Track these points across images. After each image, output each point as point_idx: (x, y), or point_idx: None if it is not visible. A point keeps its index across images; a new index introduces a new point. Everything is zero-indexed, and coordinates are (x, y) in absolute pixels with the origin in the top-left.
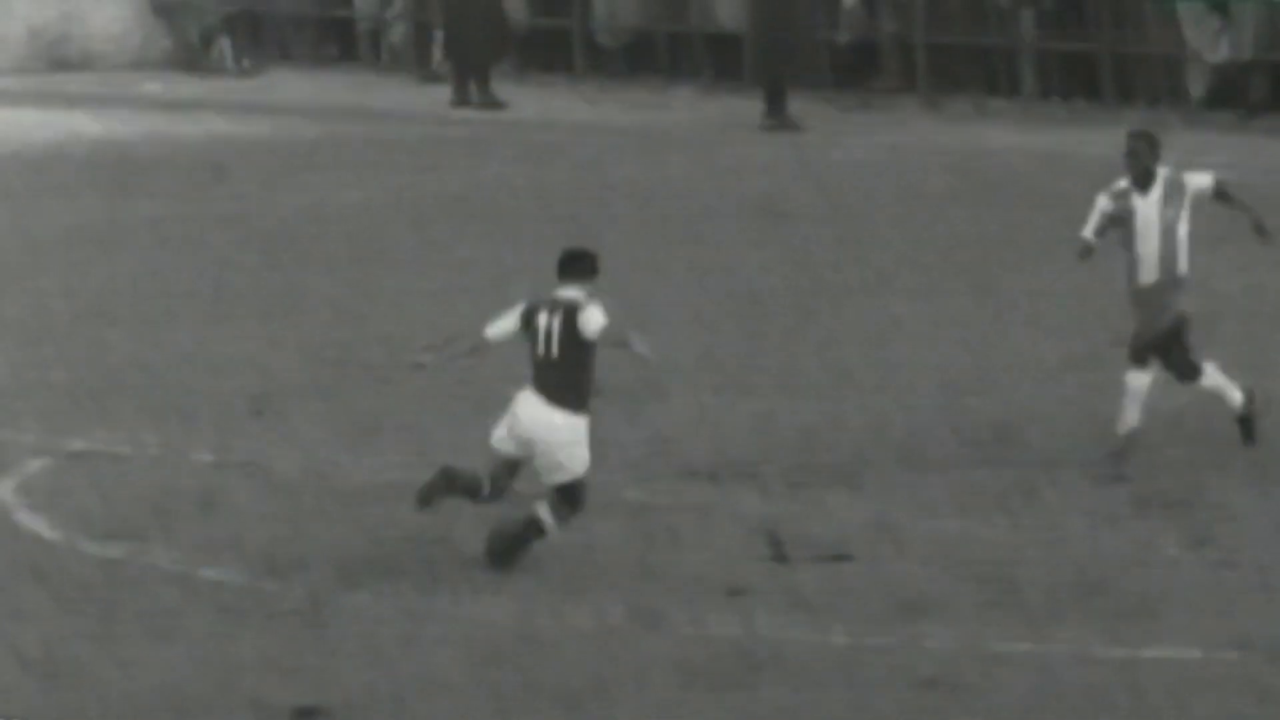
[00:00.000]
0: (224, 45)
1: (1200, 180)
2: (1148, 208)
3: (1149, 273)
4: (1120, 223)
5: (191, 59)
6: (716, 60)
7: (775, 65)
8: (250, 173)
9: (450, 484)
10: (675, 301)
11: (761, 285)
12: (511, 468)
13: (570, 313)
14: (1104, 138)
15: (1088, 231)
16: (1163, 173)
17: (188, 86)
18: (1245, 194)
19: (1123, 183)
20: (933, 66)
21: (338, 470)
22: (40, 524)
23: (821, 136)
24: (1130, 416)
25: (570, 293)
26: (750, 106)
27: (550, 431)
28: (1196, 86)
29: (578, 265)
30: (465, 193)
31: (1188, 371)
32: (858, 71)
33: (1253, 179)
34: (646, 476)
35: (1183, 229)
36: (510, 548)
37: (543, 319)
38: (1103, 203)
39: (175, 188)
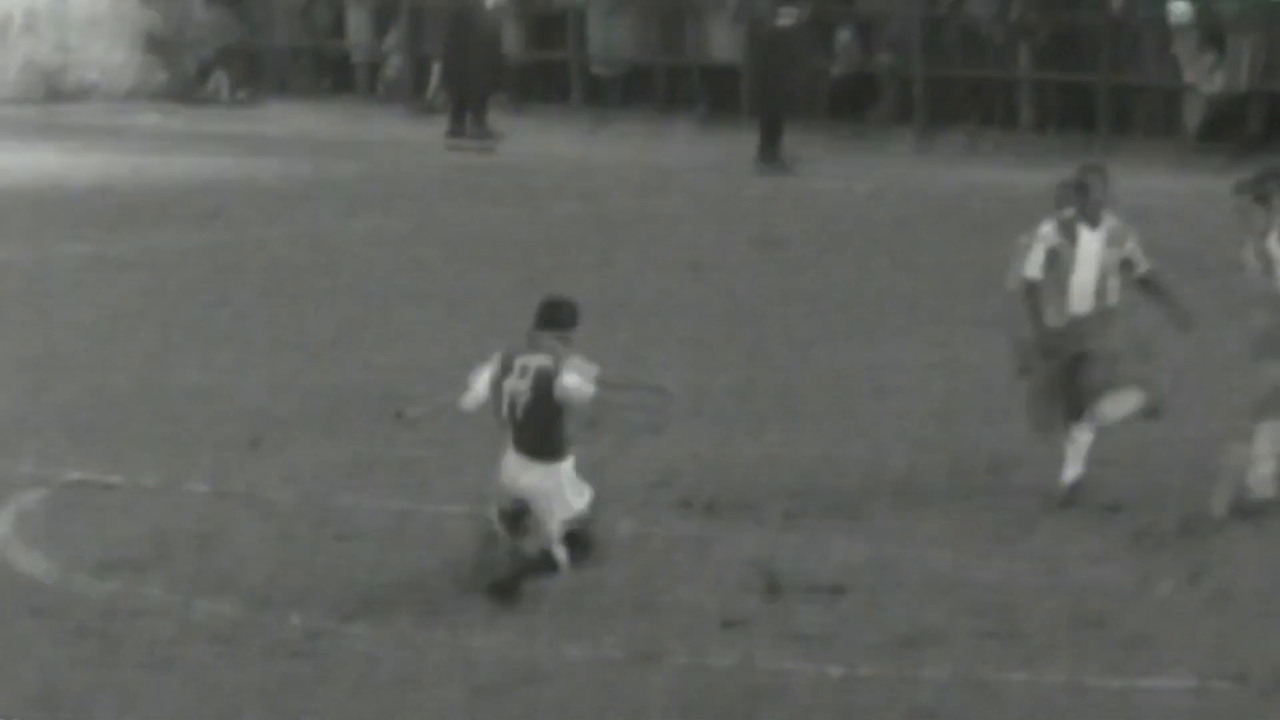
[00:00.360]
0: (220, 77)
1: (1139, 257)
2: (1091, 241)
3: (1083, 302)
4: (1058, 256)
5: (187, 91)
6: (713, 92)
7: (772, 99)
8: (247, 206)
9: (504, 566)
10: (672, 335)
11: (758, 319)
12: (520, 508)
13: (548, 364)
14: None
15: (1033, 269)
16: (1110, 219)
17: (184, 118)
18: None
19: (1068, 212)
20: (928, 99)
21: (336, 504)
22: (36, 556)
23: (817, 169)
24: (1073, 469)
25: (548, 342)
26: (747, 139)
27: (534, 488)
28: (1192, 119)
29: (557, 315)
30: (461, 226)
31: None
32: (853, 104)
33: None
34: (643, 509)
35: (1115, 273)
36: (516, 581)
37: (519, 366)
38: (1046, 232)
39: (171, 220)
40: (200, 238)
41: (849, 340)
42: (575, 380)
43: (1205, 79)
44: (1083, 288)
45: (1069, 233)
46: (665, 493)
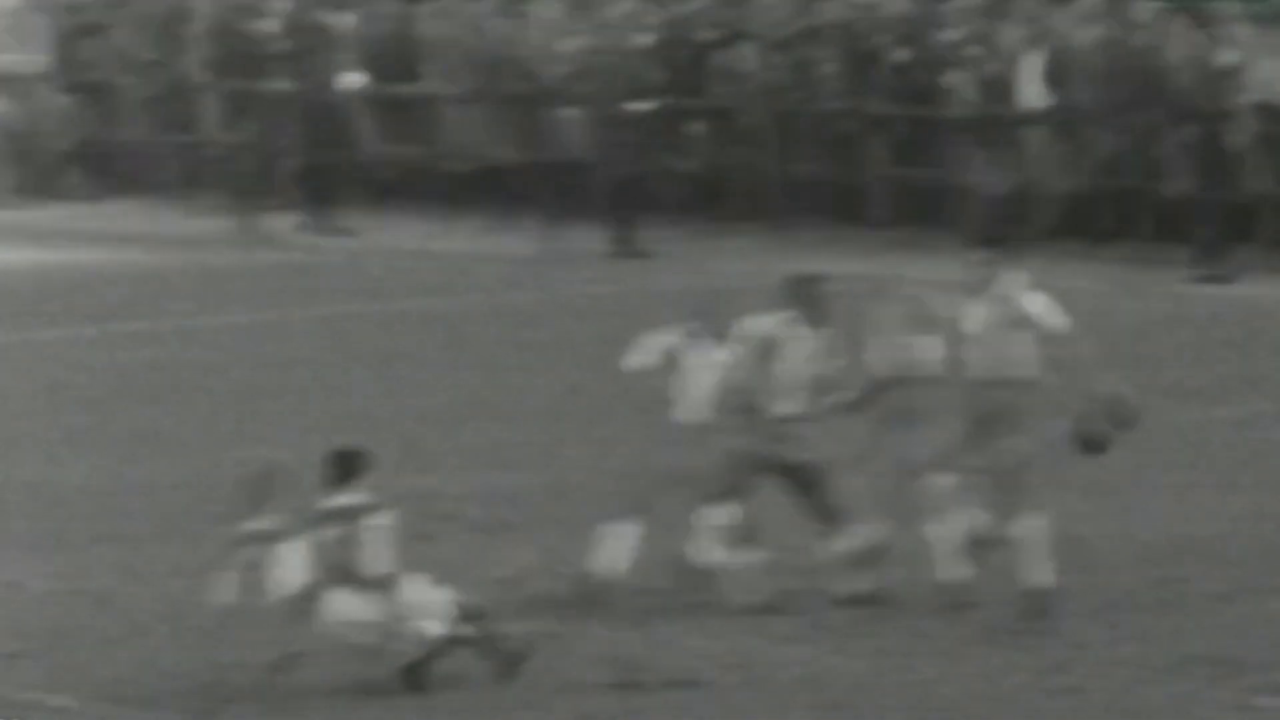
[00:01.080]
0: (73, 173)
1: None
2: (812, 344)
3: (793, 403)
4: (772, 348)
5: (38, 187)
6: (564, 188)
7: (623, 193)
8: (99, 303)
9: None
10: (521, 432)
11: (608, 417)
12: None
13: (359, 501)
14: (951, 264)
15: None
16: (829, 332)
17: (34, 215)
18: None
19: (785, 314)
20: (781, 194)
21: (188, 602)
22: None
23: (669, 264)
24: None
25: (346, 499)
26: (599, 233)
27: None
28: (1046, 215)
29: (353, 466)
30: (313, 322)
31: (831, 519)
32: (705, 199)
33: (1088, 305)
34: (492, 608)
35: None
36: (425, 664)
37: (328, 532)
38: (763, 324)
39: (20, 318)
40: (51, 334)
41: None
42: (380, 538)
43: (1055, 176)
44: (796, 387)
45: (785, 331)
46: (514, 591)
